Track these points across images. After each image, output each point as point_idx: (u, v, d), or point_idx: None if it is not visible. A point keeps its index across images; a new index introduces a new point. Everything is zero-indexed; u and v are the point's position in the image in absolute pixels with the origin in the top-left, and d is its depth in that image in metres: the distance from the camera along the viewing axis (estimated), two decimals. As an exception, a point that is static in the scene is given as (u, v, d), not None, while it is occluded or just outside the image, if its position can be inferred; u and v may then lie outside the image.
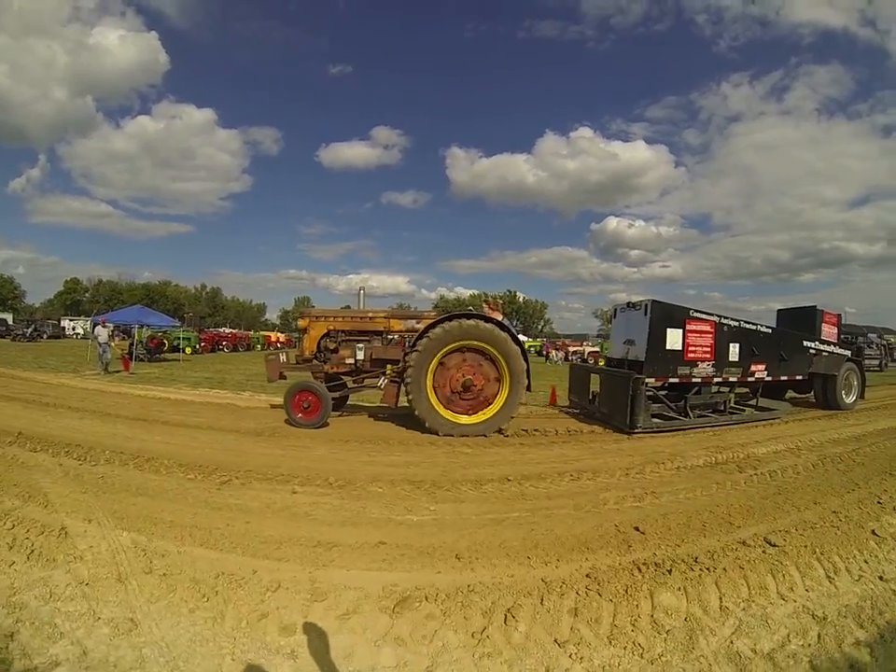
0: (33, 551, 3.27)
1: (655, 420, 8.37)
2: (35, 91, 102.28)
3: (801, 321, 10.93)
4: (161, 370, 18.60)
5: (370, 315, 8.91)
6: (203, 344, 32.60)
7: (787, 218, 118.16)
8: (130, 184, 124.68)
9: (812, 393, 10.82)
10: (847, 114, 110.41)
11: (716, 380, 8.97)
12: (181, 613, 2.69)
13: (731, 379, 9.12)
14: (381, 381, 8.39)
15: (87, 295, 79.24)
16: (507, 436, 7.69)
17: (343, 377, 8.85)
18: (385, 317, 8.81)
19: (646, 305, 8.46)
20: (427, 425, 7.62)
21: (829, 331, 10.79)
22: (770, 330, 9.60)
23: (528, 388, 7.91)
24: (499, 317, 8.25)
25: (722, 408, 9.21)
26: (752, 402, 9.87)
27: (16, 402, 9.17)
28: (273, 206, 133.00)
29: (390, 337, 8.89)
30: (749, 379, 9.34)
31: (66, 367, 17.48)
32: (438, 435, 7.54)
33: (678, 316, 8.53)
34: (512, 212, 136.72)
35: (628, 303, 9.19)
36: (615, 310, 9.83)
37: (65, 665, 2.28)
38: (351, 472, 5.45)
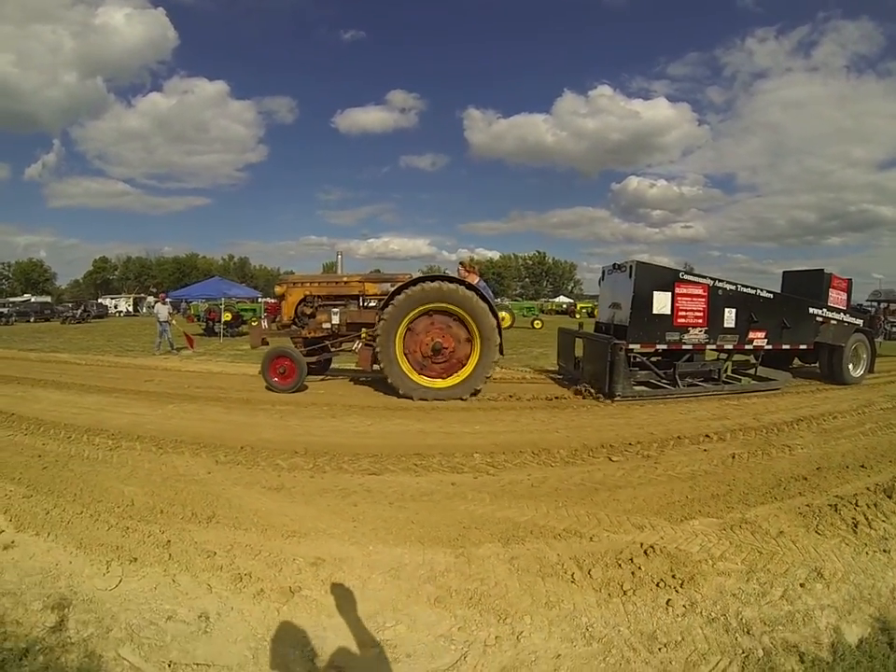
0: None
1: (639, 388, 7.86)
2: (45, 77, 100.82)
3: (807, 285, 10.06)
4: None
5: (344, 279, 8.58)
6: (267, 314, 31.49)
7: (814, 179, 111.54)
8: (145, 161, 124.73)
9: (818, 363, 10.09)
10: (878, 71, 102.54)
11: (709, 347, 8.35)
12: None
13: (726, 346, 8.49)
14: (355, 344, 8.14)
15: (116, 273, 78.71)
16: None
17: (322, 341, 8.64)
18: (359, 281, 8.47)
19: (630, 267, 7.83)
20: (399, 390, 7.31)
21: (837, 297, 9.88)
22: (771, 295, 8.80)
23: (501, 350, 7.51)
24: (474, 279, 7.82)
25: (716, 377, 8.60)
26: (751, 372, 9.26)
27: (206, 402, 7.27)
28: (290, 174, 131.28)
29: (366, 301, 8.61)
30: (747, 347, 8.64)
31: (150, 347, 14.72)
32: (412, 400, 7.25)
33: (666, 279, 7.86)
34: (532, 172, 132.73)
35: (615, 265, 8.55)
36: (603, 272, 9.22)
37: None
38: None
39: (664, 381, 8.17)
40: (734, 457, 4.81)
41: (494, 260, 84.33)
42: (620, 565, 2.81)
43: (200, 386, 8.54)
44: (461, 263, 8.24)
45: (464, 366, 7.43)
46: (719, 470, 4.44)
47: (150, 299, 51.59)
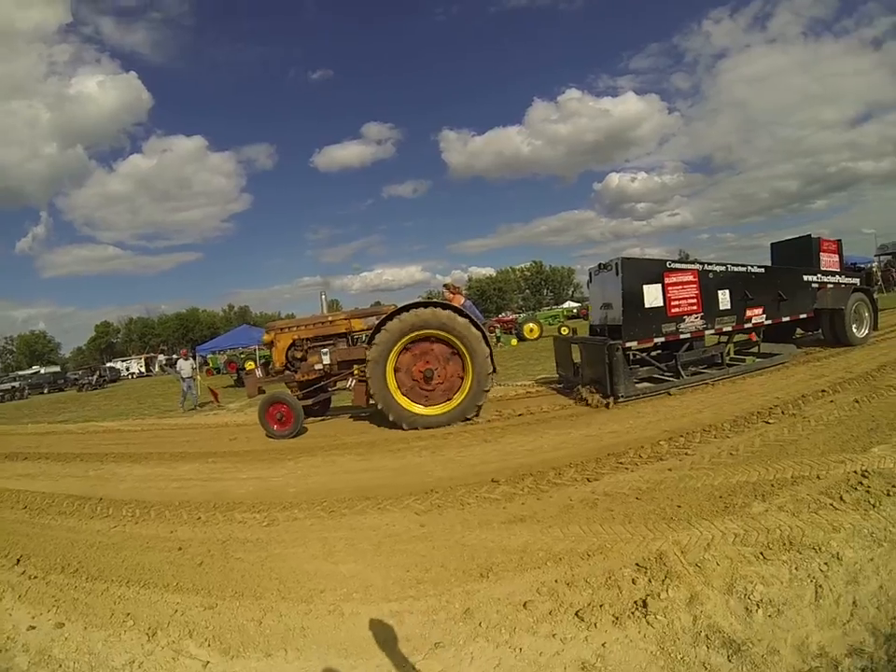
0: None
1: (642, 385, 7.53)
2: (25, 151, 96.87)
3: (797, 253, 9.73)
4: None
5: (329, 318, 8.34)
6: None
7: (789, 147, 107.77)
8: (132, 223, 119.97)
9: (820, 330, 9.74)
10: (834, 32, 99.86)
11: (708, 333, 8.03)
12: None
13: (725, 329, 8.16)
14: (349, 382, 7.88)
15: (119, 336, 76.95)
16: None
17: (317, 383, 8.37)
18: (345, 319, 8.23)
19: (616, 264, 7.54)
20: (391, 419, 7.04)
21: (829, 260, 9.54)
22: (763, 270, 8.49)
23: (493, 367, 7.16)
24: (460, 301, 7.56)
25: (720, 361, 8.26)
26: (755, 350, 8.93)
27: (326, 453, 6.37)
28: (276, 219, 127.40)
29: (355, 337, 8.37)
30: (747, 326, 8.33)
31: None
32: (403, 429, 6.97)
33: (653, 271, 7.56)
34: (513, 185, 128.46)
35: (600, 265, 8.25)
36: (590, 273, 8.92)
37: None
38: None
39: (667, 374, 7.85)
40: (857, 402, 5.35)
41: (493, 277, 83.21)
42: (855, 488, 3.26)
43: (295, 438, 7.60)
44: (445, 286, 8.00)
45: (458, 389, 7.12)
46: (855, 413, 5.02)
47: (161, 357, 51.28)
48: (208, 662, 2.43)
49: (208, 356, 24.06)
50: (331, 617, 2.65)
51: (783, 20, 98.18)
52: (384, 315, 7.28)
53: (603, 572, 2.71)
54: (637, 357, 7.80)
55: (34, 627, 2.93)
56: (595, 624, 2.29)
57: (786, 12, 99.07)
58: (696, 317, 7.81)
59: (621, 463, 4.49)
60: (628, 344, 7.31)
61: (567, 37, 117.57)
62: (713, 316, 7.92)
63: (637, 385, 7.39)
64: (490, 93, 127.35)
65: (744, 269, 8.28)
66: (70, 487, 6.11)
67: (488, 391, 7.20)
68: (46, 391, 37.29)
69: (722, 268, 8.10)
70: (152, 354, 55.83)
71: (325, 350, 7.97)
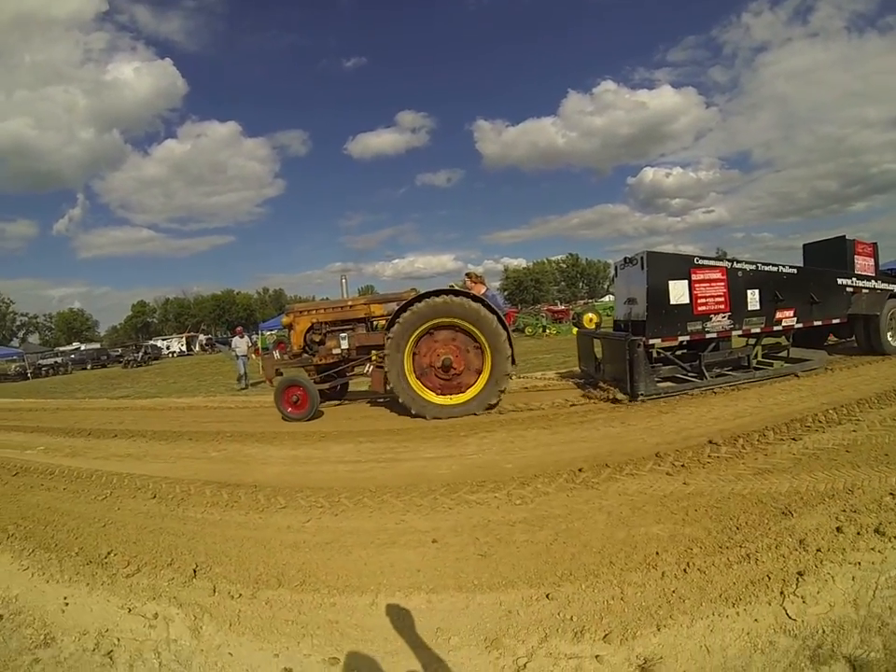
0: None
1: (664, 384, 7.15)
2: (63, 136, 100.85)
3: (831, 255, 9.13)
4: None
5: (349, 303, 8.16)
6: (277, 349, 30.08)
7: (830, 146, 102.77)
8: (166, 206, 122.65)
9: (854, 337, 9.18)
10: (878, 28, 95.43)
11: (735, 333, 7.61)
12: None
13: (753, 330, 7.72)
14: (367, 367, 7.73)
15: (156, 315, 77.21)
16: None
17: (334, 367, 8.24)
18: (364, 304, 8.06)
19: (641, 258, 7.16)
20: (409, 408, 6.81)
21: (864, 264, 8.93)
22: (795, 270, 7.97)
23: (513, 362, 6.92)
24: (481, 290, 7.30)
25: (746, 364, 7.82)
26: (783, 354, 8.44)
27: (513, 427, 5.89)
28: (309, 205, 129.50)
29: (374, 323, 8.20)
30: (776, 328, 7.87)
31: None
32: (425, 418, 6.76)
33: (680, 267, 7.15)
34: (548, 176, 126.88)
35: (625, 258, 7.87)
36: (615, 267, 8.56)
37: None
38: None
39: (690, 374, 7.45)
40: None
41: (529, 268, 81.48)
42: None
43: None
44: (467, 275, 7.73)
45: (476, 380, 6.88)
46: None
47: (202, 337, 52.04)
48: None
49: (255, 336, 24.15)
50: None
51: (825, 13, 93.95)
52: (405, 301, 7.08)
53: (872, 501, 3.04)
54: (661, 355, 7.44)
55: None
56: (894, 537, 2.65)
57: (828, 6, 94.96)
58: (723, 317, 7.37)
59: (808, 427, 4.76)
60: (651, 342, 6.95)
61: (603, 28, 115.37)
62: (741, 317, 7.46)
63: (658, 383, 7.03)
64: (525, 84, 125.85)
65: (775, 269, 7.78)
66: (199, 471, 5.16)
67: (503, 391, 6.90)
68: (89, 367, 38.04)
69: (752, 266, 7.62)
70: (193, 333, 56.35)
71: (343, 335, 7.82)
